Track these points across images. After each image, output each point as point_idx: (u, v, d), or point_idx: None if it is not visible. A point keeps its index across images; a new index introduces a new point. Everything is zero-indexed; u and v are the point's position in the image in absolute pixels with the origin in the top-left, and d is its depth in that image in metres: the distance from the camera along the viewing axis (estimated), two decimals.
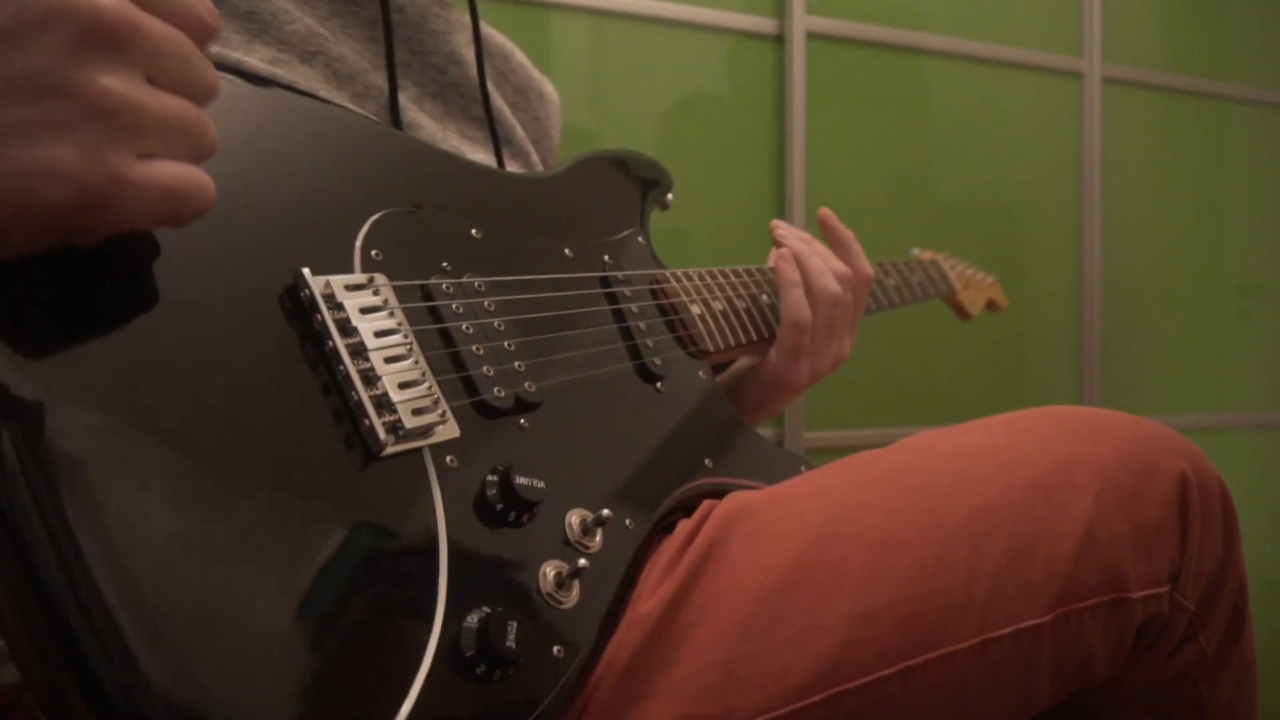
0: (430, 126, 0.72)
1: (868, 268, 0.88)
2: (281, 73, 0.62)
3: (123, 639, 0.36)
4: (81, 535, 0.36)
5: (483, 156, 0.75)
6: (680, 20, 1.48)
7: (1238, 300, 2.08)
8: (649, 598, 0.55)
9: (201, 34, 0.41)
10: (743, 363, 0.87)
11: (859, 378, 1.50)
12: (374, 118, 0.66)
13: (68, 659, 0.35)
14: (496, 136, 0.77)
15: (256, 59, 0.62)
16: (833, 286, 0.81)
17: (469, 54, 0.78)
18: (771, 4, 1.55)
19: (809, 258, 0.82)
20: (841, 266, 0.84)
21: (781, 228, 0.86)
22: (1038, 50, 1.80)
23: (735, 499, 0.61)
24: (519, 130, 0.81)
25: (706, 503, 0.61)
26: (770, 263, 0.84)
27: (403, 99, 0.71)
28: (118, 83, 0.36)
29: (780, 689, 0.51)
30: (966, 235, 1.75)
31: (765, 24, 1.55)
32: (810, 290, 0.81)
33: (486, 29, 0.80)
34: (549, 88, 0.88)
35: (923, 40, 1.69)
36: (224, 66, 0.49)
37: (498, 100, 0.79)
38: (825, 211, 0.89)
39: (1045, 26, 1.83)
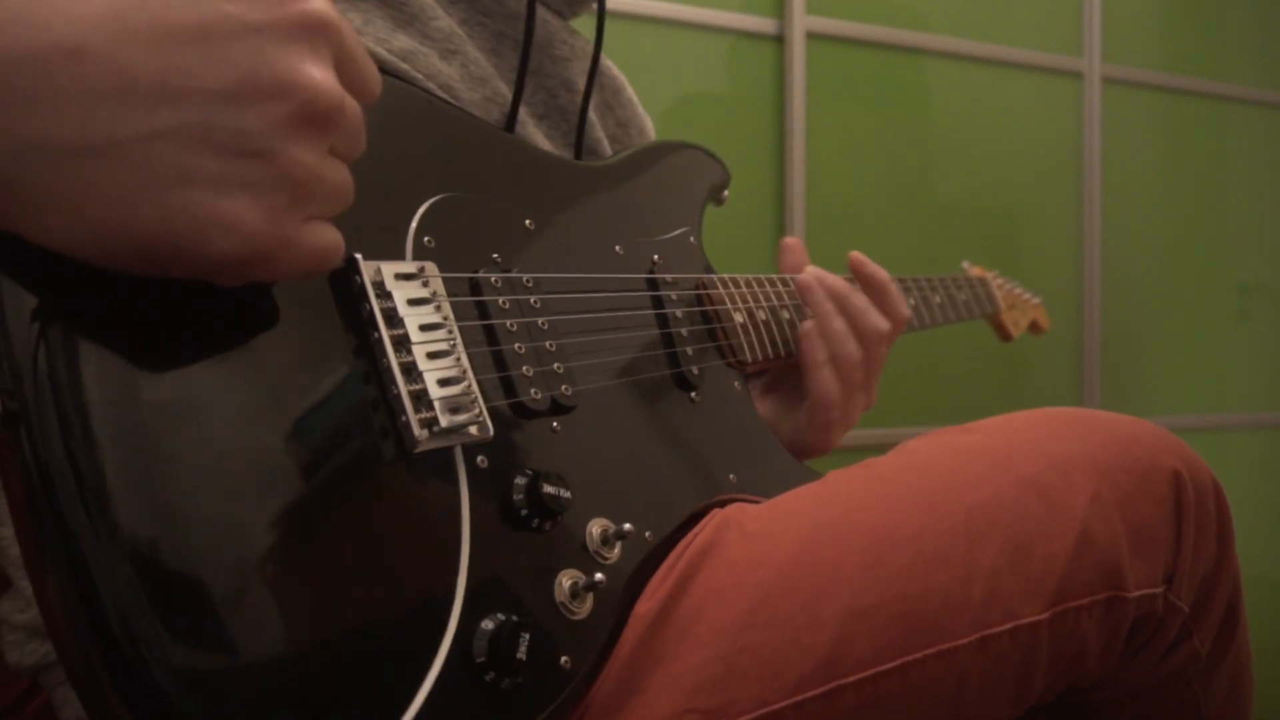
0: (544, 144, 0.72)
1: (904, 310, 0.83)
2: (405, 67, 0.62)
3: (145, 617, 0.36)
4: (119, 512, 0.36)
5: None
6: (680, 20, 1.48)
7: (1238, 300, 2.08)
8: (649, 597, 0.55)
9: (369, 104, 0.42)
10: (779, 409, 0.83)
11: None
12: (447, 98, 0.65)
13: (97, 634, 0.35)
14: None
15: (395, 47, 0.62)
16: (854, 353, 0.77)
17: (584, 83, 0.77)
18: (771, 4, 1.56)
19: (832, 320, 0.77)
20: (880, 323, 0.78)
21: (810, 287, 0.78)
22: (1038, 50, 1.80)
23: (736, 504, 0.61)
24: None
25: (713, 510, 0.62)
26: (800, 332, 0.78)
27: (523, 113, 0.71)
28: (312, 157, 0.38)
29: (779, 683, 0.51)
30: (966, 235, 1.75)
31: (765, 24, 1.55)
32: (834, 359, 0.77)
33: (605, 61, 0.79)
34: (649, 124, 0.88)
35: (923, 40, 1.69)
36: None
37: (598, 131, 0.78)
38: (856, 256, 0.83)
39: (1045, 26, 1.83)
